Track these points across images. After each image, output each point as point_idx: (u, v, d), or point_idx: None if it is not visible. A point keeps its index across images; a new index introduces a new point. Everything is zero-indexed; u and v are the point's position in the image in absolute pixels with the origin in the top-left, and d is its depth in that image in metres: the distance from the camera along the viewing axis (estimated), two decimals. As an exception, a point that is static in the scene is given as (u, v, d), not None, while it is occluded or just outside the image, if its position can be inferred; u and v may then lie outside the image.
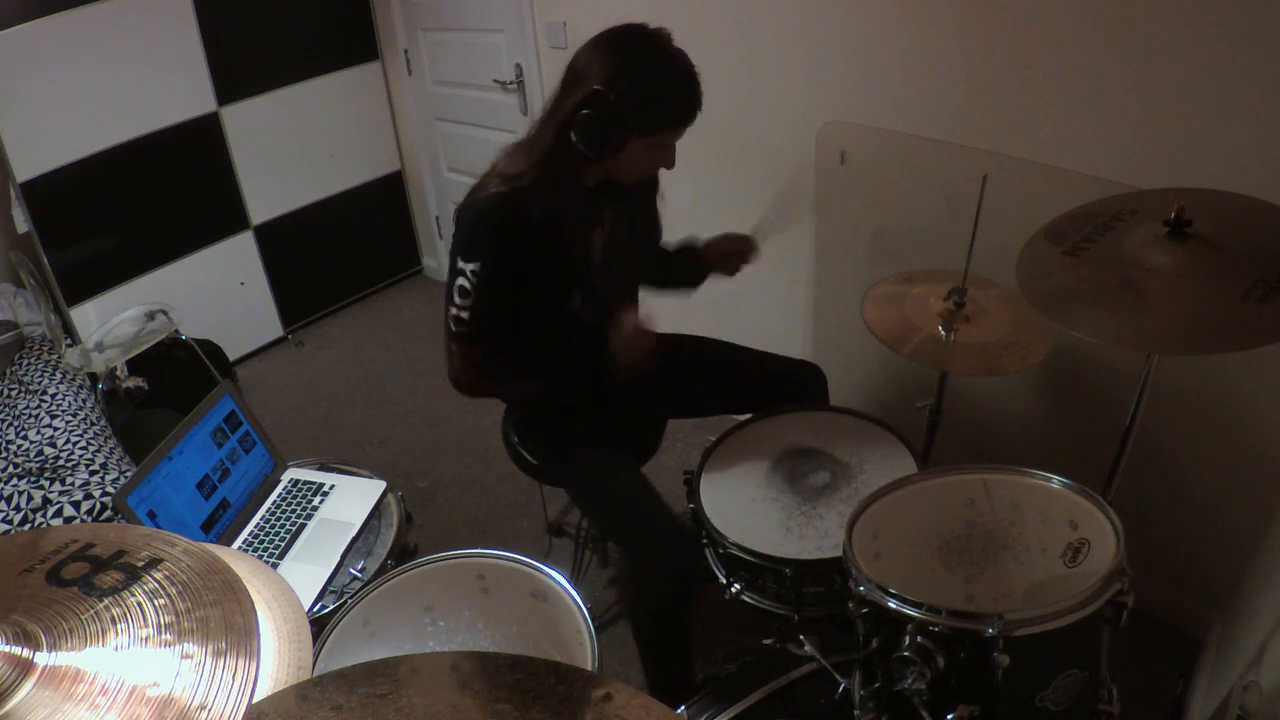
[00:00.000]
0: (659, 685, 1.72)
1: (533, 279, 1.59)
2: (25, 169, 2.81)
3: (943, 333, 1.60)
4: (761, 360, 1.92)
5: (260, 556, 1.65)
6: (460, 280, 1.55)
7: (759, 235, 1.81)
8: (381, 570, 1.61)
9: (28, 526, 1.99)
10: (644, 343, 1.59)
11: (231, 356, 3.37)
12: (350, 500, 1.79)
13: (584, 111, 1.44)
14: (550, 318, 1.67)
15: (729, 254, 1.82)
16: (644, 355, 1.60)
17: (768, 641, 1.58)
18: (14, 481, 2.08)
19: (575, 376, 1.73)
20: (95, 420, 2.42)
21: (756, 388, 1.91)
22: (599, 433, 1.78)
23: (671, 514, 1.60)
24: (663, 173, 1.65)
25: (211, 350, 3.08)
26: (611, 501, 1.71)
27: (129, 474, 2.05)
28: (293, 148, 3.56)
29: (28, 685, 0.57)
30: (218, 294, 3.46)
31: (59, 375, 2.55)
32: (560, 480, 1.81)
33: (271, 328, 3.74)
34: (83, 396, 2.50)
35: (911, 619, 1.10)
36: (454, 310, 1.58)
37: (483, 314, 1.57)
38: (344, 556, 1.65)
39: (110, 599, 0.64)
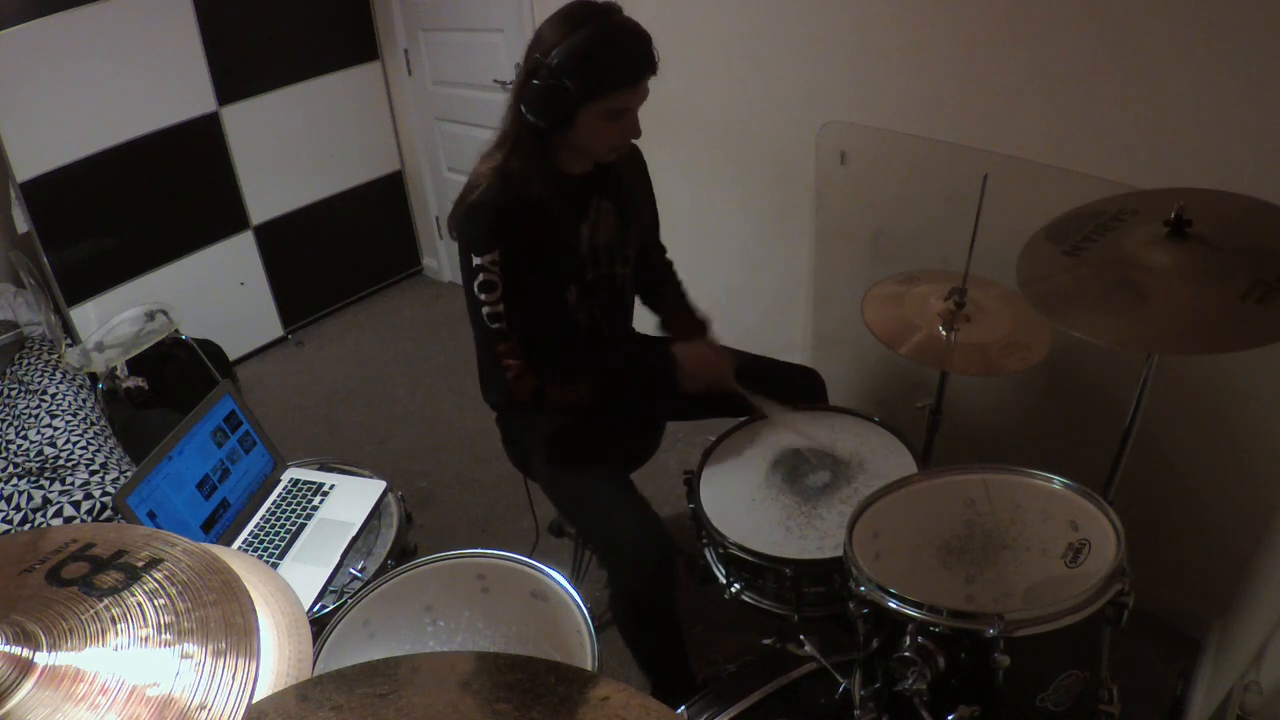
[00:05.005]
0: (658, 686, 1.72)
1: (536, 267, 1.58)
2: (25, 169, 2.80)
3: (943, 332, 1.60)
4: (761, 365, 1.92)
5: (260, 556, 1.65)
6: (481, 276, 1.54)
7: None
8: (381, 570, 1.60)
9: (28, 526, 1.98)
10: (713, 365, 1.65)
11: (231, 356, 3.37)
12: (350, 500, 1.79)
13: (532, 82, 1.46)
14: (554, 315, 1.66)
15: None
16: (716, 374, 1.66)
17: (768, 641, 1.58)
18: (14, 481, 2.07)
19: (604, 379, 1.69)
20: (95, 420, 2.42)
21: (756, 393, 1.90)
22: (595, 435, 1.77)
23: (646, 521, 1.58)
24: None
25: (211, 350, 3.08)
26: (582, 507, 1.71)
27: (129, 474, 2.05)
28: (293, 148, 3.56)
29: (28, 685, 0.57)
30: (218, 294, 3.46)
31: (59, 375, 2.54)
32: (539, 479, 1.81)
33: (271, 328, 3.74)
34: (83, 396, 2.50)
35: (912, 619, 1.10)
36: (486, 309, 1.55)
37: (517, 299, 1.56)
38: (344, 556, 1.65)
39: (110, 599, 0.64)
